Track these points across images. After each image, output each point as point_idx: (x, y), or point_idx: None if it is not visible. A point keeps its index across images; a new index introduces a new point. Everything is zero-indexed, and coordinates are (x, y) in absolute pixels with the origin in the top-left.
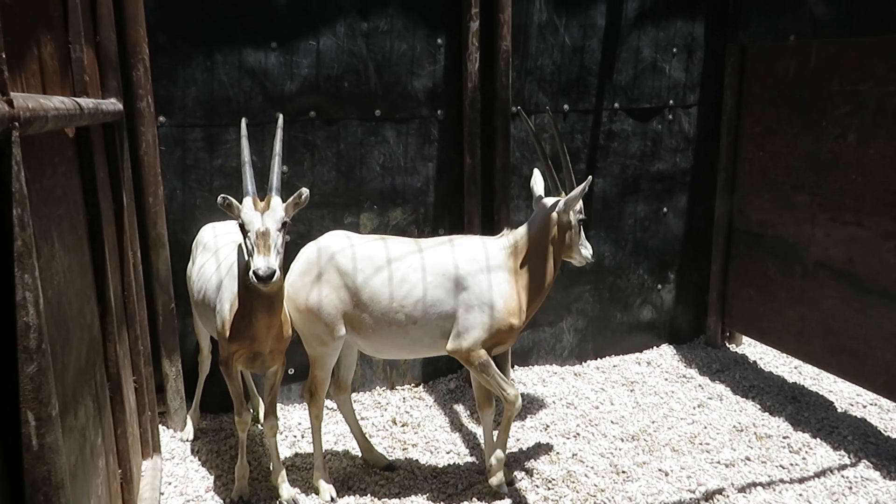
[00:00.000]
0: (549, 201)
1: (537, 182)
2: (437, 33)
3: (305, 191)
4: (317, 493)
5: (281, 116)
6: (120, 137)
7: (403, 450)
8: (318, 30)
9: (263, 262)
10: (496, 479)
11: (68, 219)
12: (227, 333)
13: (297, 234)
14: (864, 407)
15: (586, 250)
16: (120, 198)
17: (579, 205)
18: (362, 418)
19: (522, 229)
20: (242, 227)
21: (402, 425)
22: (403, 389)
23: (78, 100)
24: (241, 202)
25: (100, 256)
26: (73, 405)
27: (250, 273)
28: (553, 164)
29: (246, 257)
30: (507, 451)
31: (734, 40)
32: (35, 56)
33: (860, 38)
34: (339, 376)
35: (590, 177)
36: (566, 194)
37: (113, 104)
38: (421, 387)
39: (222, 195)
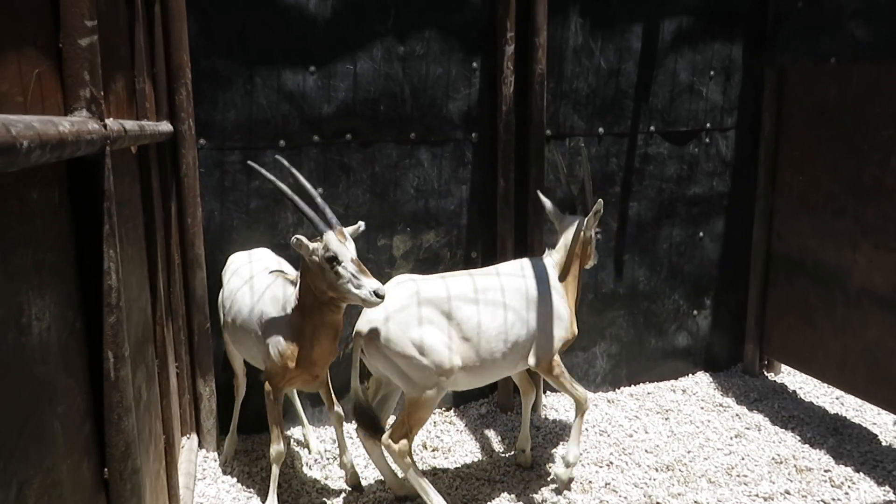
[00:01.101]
0: (576, 219)
1: (547, 203)
2: (472, 57)
3: (362, 224)
4: None
5: (280, 158)
6: (171, 155)
7: (434, 475)
8: (356, 53)
9: (375, 282)
10: (566, 472)
11: (132, 219)
12: (290, 363)
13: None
14: None
15: (595, 258)
16: (169, 207)
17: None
18: None
19: (562, 247)
20: (332, 259)
21: (433, 450)
22: (434, 414)
23: (141, 123)
24: (313, 238)
25: (152, 254)
26: (133, 365)
27: (367, 293)
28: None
29: (346, 285)
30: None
31: (772, 63)
32: (113, 89)
33: None
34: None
35: (600, 199)
36: (583, 213)
37: (166, 126)
38: (452, 411)
39: (296, 237)
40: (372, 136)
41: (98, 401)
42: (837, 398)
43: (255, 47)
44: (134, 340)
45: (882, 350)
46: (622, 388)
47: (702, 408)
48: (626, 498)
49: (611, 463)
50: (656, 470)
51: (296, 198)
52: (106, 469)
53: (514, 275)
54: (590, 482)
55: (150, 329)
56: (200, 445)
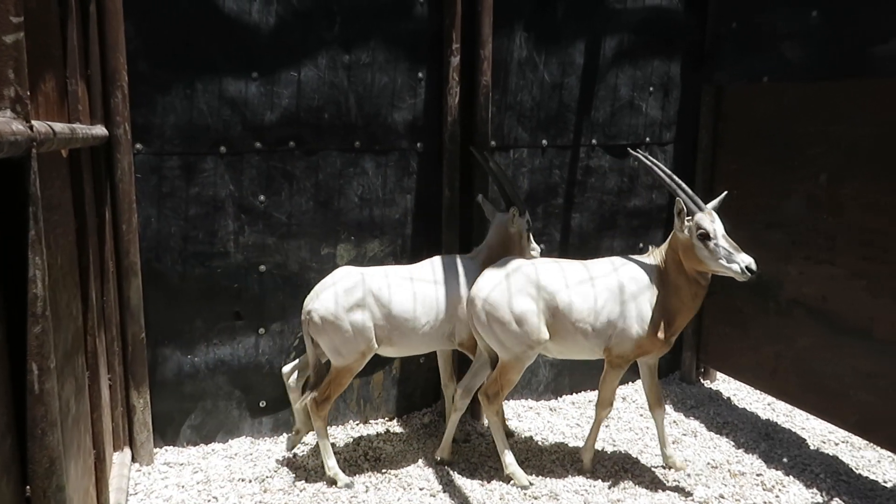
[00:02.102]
0: (502, 216)
1: (485, 204)
2: (418, 67)
3: (724, 193)
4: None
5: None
6: (105, 160)
7: (377, 488)
8: (300, 61)
9: (748, 258)
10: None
11: (62, 225)
12: (661, 334)
13: (274, 264)
14: (836, 444)
15: (534, 252)
16: (103, 213)
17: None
18: (335, 453)
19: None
20: (704, 236)
21: (376, 460)
22: (377, 424)
23: (74, 126)
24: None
25: (84, 261)
26: (61, 377)
27: (739, 268)
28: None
29: (719, 260)
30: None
31: (710, 81)
32: (42, 90)
33: (832, 81)
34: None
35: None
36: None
37: (100, 129)
38: (395, 421)
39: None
40: (316, 145)
41: (21, 415)
42: (769, 404)
43: (195, 51)
44: (62, 351)
45: (811, 358)
46: (564, 397)
47: (641, 415)
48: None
49: (552, 470)
50: (597, 477)
51: (672, 182)
52: (28, 487)
53: (607, 270)
54: (532, 490)
55: (80, 339)
56: (134, 459)
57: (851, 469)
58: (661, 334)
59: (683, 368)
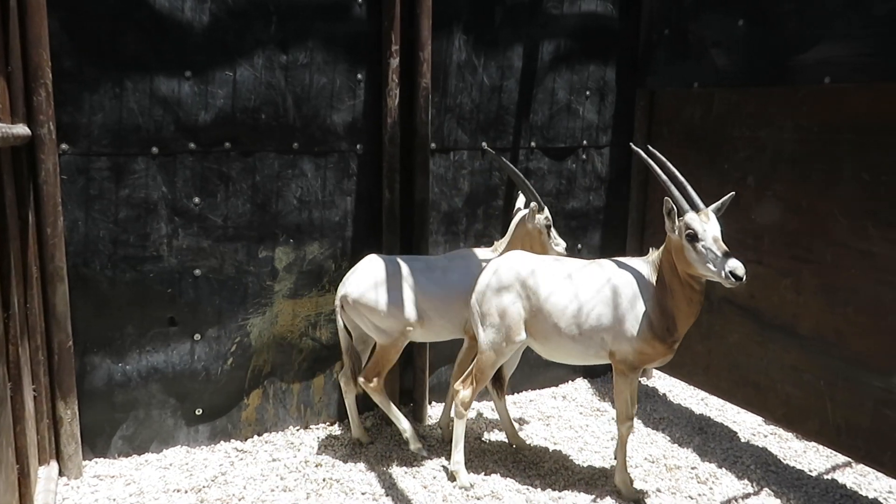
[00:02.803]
0: (522, 213)
1: (519, 201)
2: (357, 68)
3: (732, 194)
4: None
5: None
6: (28, 161)
7: (318, 494)
8: (235, 60)
9: (736, 263)
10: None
11: None
12: (663, 339)
13: (209, 268)
14: (765, 436)
15: (559, 247)
16: (26, 216)
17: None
18: (274, 459)
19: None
20: (692, 237)
21: (317, 465)
22: (318, 429)
23: None
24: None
25: (5, 266)
26: None
27: (724, 272)
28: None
29: (706, 262)
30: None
31: (644, 86)
32: None
33: (758, 88)
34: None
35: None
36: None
37: (22, 129)
38: (336, 425)
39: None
40: (252, 146)
41: None
42: (702, 399)
43: (125, 49)
44: None
45: (741, 354)
46: (505, 397)
47: (580, 413)
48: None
49: (495, 470)
50: (538, 475)
51: (667, 179)
52: None
53: (595, 270)
54: (474, 490)
55: (1, 348)
56: (61, 473)
57: (780, 459)
58: (660, 339)
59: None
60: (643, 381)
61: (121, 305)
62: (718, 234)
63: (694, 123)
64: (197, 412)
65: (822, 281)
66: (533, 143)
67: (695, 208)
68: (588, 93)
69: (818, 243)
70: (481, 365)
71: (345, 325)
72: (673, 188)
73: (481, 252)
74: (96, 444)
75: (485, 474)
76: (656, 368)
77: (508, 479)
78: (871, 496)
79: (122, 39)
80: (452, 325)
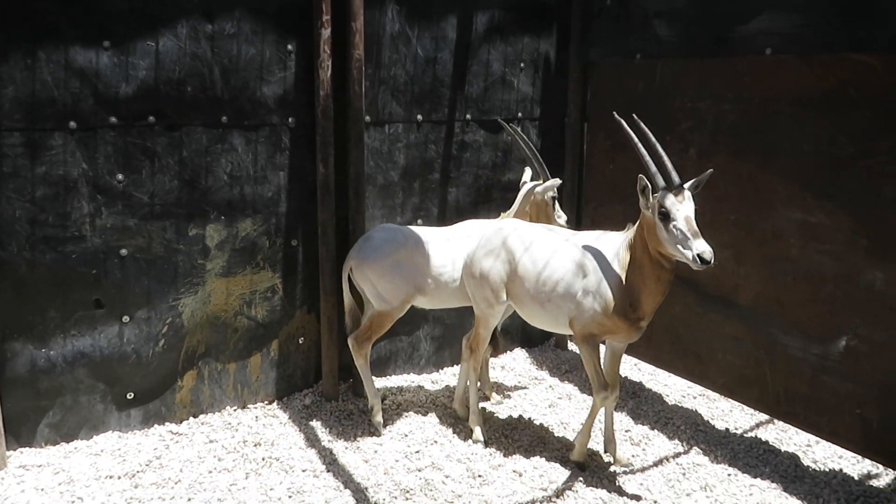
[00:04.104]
0: (530, 185)
1: (526, 174)
2: (287, 39)
3: (710, 171)
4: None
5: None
6: None
7: (257, 473)
8: (157, 30)
9: (704, 245)
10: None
11: None
12: (627, 314)
13: (137, 247)
14: (694, 398)
15: (561, 219)
16: None
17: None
18: (211, 441)
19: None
20: (665, 216)
21: (255, 445)
22: (256, 408)
23: None
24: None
25: None
26: None
27: (692, 255)
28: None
29: (676, 243)
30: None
31: (585, 58)
32: None
33: (700, 59)
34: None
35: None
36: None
37: None
38: (275, 404)
39: (642, 176)
40: (179, 119)
41: None
42: (635, 365)
43: (36, 16)
44: None
45: (683, 325)
46: (446, 369)
47: (519, 382)
48: (449, 475)
49: (436, 441)
50: (478, 444)
51: (646, 154)
52: None
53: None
54: (416, 462)
55: None
56: None
57: (707, 420)
58: (621, 314)
59: (558, 335)
60: (575, 349)
61: (42, 288)
62: (692, 215)
63: (637, 95)
64: (128, 396)
65: (762, 252)
66: (468, 116)
67: (671, 186)
68: (522, 65)
69: (758, 214)
70: (477, 323)
71: (351, 290)
72: (651, 163)
73: (487, 223)
74: (21, 433)
75: (426, 446)
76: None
77: (449, 449)
78: (790, 450)
79: (32, 6)
80: (461, 294)
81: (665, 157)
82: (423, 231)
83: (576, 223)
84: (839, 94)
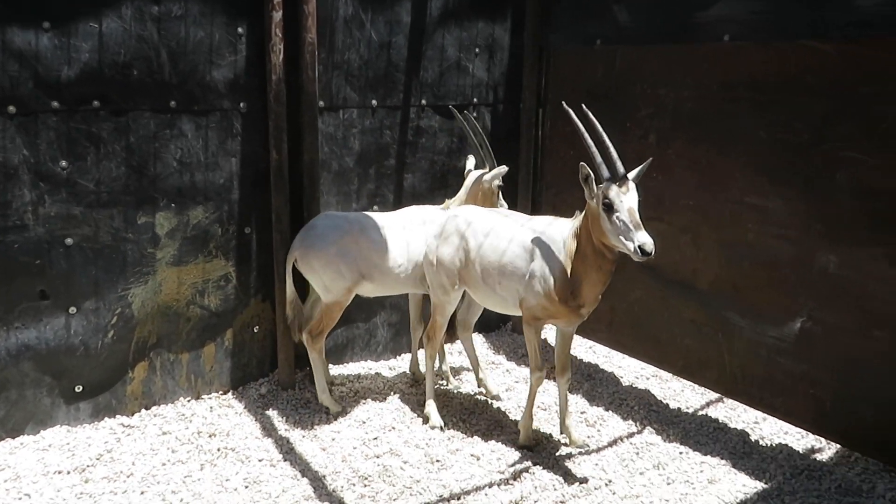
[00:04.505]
0: (476, 173)
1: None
2: (237, 21)
3: (650, 160)
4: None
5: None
6: None
7: (212, 464)
8: (100, 11)
9: (645, 237)
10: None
11: None
12: (567, 299)
13: (83, 236)
14: (647, 379)
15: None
16: None
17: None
18: (164, 433)
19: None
20: (608, 206)
21: (210, 436)
22: (210, 398)
23: None
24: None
25: None
26: None
27: (633, 247)
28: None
29: (618, 234)
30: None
31: (544, 44)
32: None
33: (660, 46)
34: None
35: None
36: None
37: None
38: (230, 394)
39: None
40: (125, 104)
41: None
42: (590, 347)
43: None
44: None
45: (643, 310)
46: (403, 356)
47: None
48: (407, 460)
49: (393, 427)
50: (436, 429)
51: (591, 143)
52: None
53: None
54: (374, 448)
55: None
56: None
57: (660, 399)
58: (562, 300)
59: (516, 320)
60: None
61: None
62: (635, 207)
63: (597, 81)
64: (76, 389)
65: (720, 237)
66: (424, 101)
67: (615, 176)
68: (477, 50)
69: (716, 200)
70: (434, 311)
71: (295, 281)
72: (596, 153)
73: (430, 209)
74: None
75: (384, 432)
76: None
77: (407, 434)
78: (739, 427)
79: None
80: (408, 281)
81: (611, 148)
82: (367, 217)
83: (531, 209)
84: (795, 80)
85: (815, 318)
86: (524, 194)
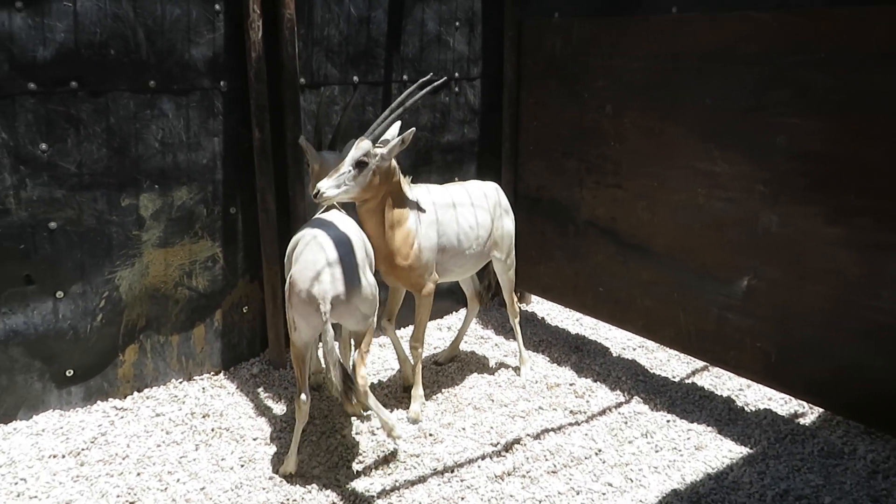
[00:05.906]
0: (330, 155)
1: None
2: None
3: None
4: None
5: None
6: None
7: (207, 444)
8: None
9: (321, 183)
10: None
11: None
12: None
13: (66, 219)
14: (634, 350)
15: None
16: None
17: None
18: (158, 414)
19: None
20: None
21: (204, 416)
22: (202, 379)
23: None
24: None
25: None
26: None
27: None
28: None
29: None
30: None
31: (513, 16)
32: None
33: (612, 17)
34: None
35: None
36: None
37: None
38: (222, 374)
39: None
40: (103, 85)
41: None
42: (577, 320)
43: None
44: None
45: (605, 273)
46: (401, 330)
47: (466, 341)
48: (399, 436)
49: (386, 404)
50: (429, 403)
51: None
52: None
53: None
54: (370, 420)
55: None
56: None
57: (647, 369)
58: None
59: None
60: (522, 306)
61: None
62: (344, 160)
63: (556, 54)
64: (67, 373)
65: (673, 201)
66: (405, 77)
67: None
68: (458, 24)
69: (668, 166)
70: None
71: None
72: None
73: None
74: None
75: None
76: (529, 292)
77: (399, 409)
78: (725, 395)
79: None
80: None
81: (387, 115)
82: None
83: (514, 182)
84: (736, 49)
85: (760, 275)
86: (509, 167)
